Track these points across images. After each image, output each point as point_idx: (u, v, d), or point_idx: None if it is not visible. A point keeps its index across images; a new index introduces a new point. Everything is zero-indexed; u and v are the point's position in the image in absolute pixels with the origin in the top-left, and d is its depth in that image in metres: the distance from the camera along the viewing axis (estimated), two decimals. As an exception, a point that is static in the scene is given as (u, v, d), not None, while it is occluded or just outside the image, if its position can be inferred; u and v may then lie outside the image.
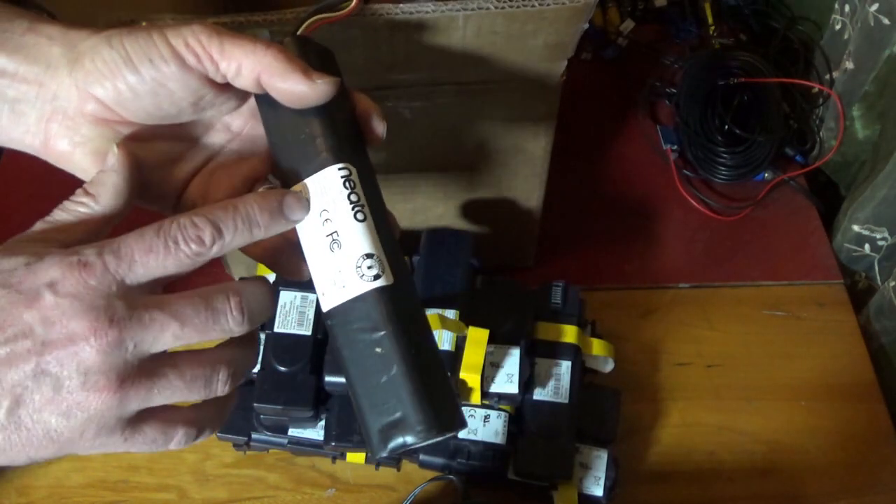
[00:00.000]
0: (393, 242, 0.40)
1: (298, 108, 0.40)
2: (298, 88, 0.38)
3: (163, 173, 0.42)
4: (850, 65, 0.78)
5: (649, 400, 0.71)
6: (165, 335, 0.35)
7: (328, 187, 0.39)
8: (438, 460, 0.63)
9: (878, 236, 0.75)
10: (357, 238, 0.38)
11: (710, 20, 0.93)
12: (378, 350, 0.38)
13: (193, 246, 0.36)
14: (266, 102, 0.41)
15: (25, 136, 0.40)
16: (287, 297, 0.63)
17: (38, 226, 0.37)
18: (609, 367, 0.69)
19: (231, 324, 0.37)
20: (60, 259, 0.34)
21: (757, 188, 0.83)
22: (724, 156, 0.82)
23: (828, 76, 0.84)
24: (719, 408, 0.71)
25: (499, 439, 0.61)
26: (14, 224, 0.38)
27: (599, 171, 0.85)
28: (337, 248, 0.38)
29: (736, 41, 0.93)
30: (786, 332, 0.75)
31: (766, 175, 0.83)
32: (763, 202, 0.83)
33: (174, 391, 0.36)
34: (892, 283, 0.70)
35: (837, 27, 0.81)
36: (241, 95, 0.42)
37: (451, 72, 0.53)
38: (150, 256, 0.35)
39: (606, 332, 0.71)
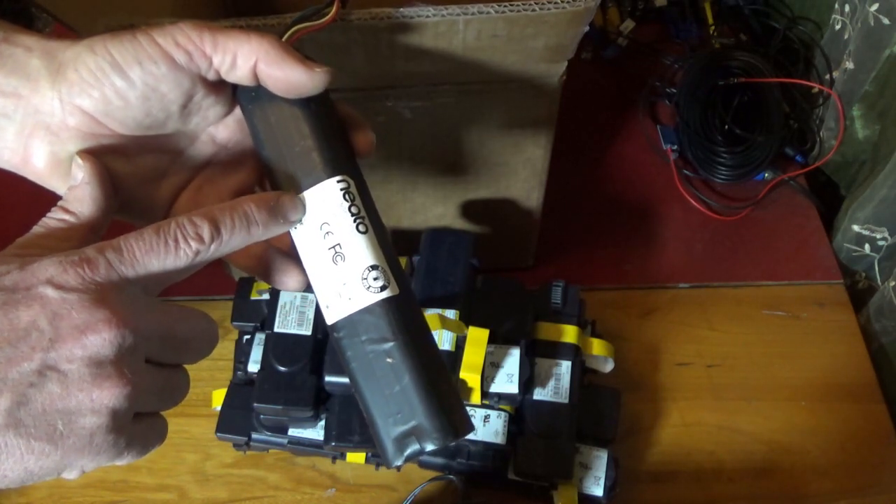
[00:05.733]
0: (392, 252, 0.40)
1: (288, 105, 0.39)
2: (296, 76, 0.38)
3: (149, 188, 0.42)
4: (850, 65, 0.78)
5: (649, 400, 0.72)
6: (171, 335, 0.35)
7: (327, 200, 0.39)
8: (438, 460, 0.63)
9: (878, 236, 0.75)
10: (361, 250, 0.39)
11: (710, 20, 0.93)
12: (389, 360, 0.38)
13: (193, 244, 0.36)
14: (257, 116, 0.40)
15: (3, 151, 0.38)
16: (287, 298, 0.63)
17: (20, 241, 0.36)
18: (609, 367, 0.69)
19: (213, 342, 0.38)
20: (58, 258, 0.34)
21: (757, 188, 0.83)
22: (724, 156, 0.82)
23: (828, 76, 0.84)
24: (719, 408, 0.71)
25: (499, 439, 0.61)
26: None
27: (599, 171, 0.85)
28: (340, 261, 0.39)
29: (736, 41, 0.93)
30: (786, 332, 0.75)
31: (766, 175, 0.83)
32: (763, 202, 0.83)
33: (172, 394, 0.36)
34: (892, 283, 0.70)
35: (837, 27, 0.81)
36: (228, 101, 0.41)
37: (452, 73, 0.53)
38: (151, 255, 0.35)
39: (606, 332, 0.71)
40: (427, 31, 0.48)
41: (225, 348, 0.71)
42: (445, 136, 0.61)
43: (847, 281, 0.79)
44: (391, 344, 0.38)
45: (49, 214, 0.37)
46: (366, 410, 0.39)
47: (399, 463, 0.38)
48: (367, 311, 0.38)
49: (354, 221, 0.39)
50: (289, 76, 0.38)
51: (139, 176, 0.41)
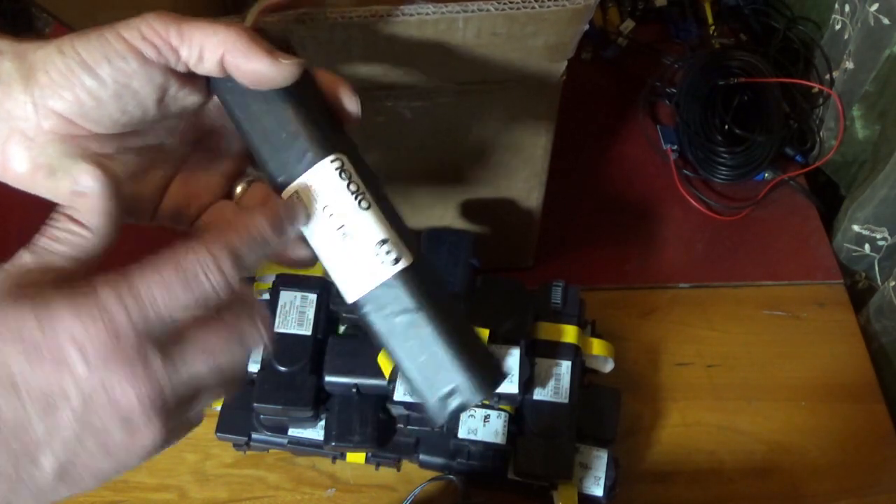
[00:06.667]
0: (400, 220, 0.40)
1: (265, 92, 0.38)
2: (263, 68, 0.37)
3: (136, 185, 0.41)
4: (850, 65, 0.78)
5: (649, 400, 0.72)
6: (200, 373, 0.35)
7: (325, 182, 0.39)
8: (438, 460, 0.63)
9: (878, 236, 0.75)
10: (368, 227, 0.38)
11: (710, 20, 0.93)
12: (416, 329, 0.39)
13: (214, 279, 0.35)
14: (236, 106, 0.40)
15: None
16: (287, 297, 0.63)
17: (27, 258, 0.35)
18: (609, 367, 0.68)
19: (257, 341, 0.37)
20: (74, 307, 0.32)
21: (757, 188, 0.83)
22: (724, 156, 0.82)
23: (828, 76, 0.84)
24: (719, 408, 0.71)
25: (499, 439, 0.61)
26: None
27: (599, 171, 0.85)
28: (350, 241, 0.38)
29: (736, 41, 0.93)
30: (786, 332, 0.75)
31: (766, 175, 0.83)
32: (763, 202, 0.83)
33: (202, 408, 0.37)
34: (892, 283, 0.70)
35: (837, 27, 0.81)
36: (204, 90, 0.40)
37: (451, 72, 0.53)
38: (172, 298, 0.34)
39: (606, 332, 0.71)
40: (427, 29, 0.48)
41: (225, 348, 0.71)
42: (445, 136, 0.61)
43: (847, 281, 0.78)
44: (416, 313, 0.39)
45: (55, 223, 0.36)
46: (406, 378, 0.40)
47: (445, 421, 0.40)
48: (385, 285, 0.39)
49: (356, 199, 0.39)
50: (256, 68, 0.37)
51: (124, 174, 0.40)
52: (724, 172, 0.82)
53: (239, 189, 0.43)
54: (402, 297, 0.39)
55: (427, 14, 0.47)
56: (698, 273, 0.79)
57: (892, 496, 0.67)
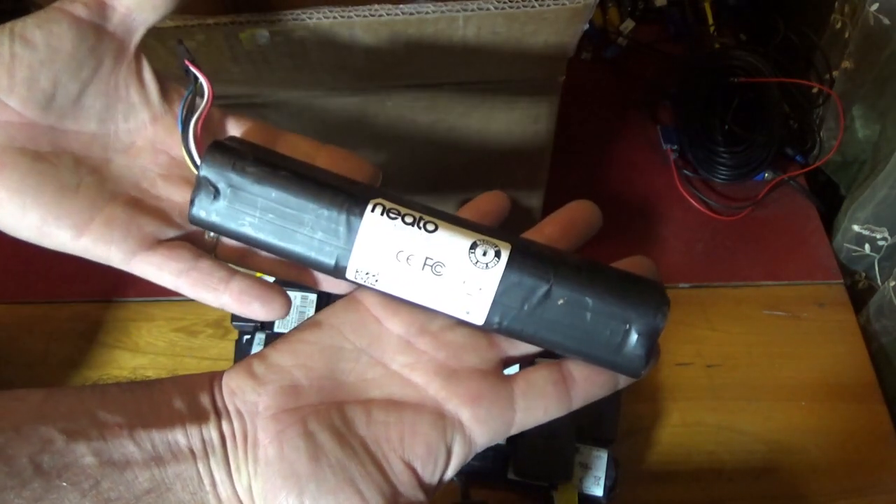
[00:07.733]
0: (470, 220, 0.37)
1: (263, 191, 0.36)
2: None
3: (67, 199, 0.36)
4: (850, 65, 0.78)
5: (649, 400, 0.71)
6: None
7: (379, 233, 0.35)
8: (438, 460, 0.63)
9: (878, 236, 0.75)
10: (450, 244, 0.35)
11: (710, 20, 0.93)
12: (560, 302, 0.36)
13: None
14: (232, 220, 0.36)
15: None
16: (287, 297, 0.63)
17: None
18: (609, 367, 0.68)
19: None
20: None
21: (757, 188, 0.83)
22: (724, 156, 0.82)
23: (828, 76, 0.83)
24: (719, 408, 0.71)
25: (499, 439, 0.61)
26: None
27: (599, 171, 0.85)
28: (441, 269, 0.35)
29: (736, 41, 0.93)
30: (786, 332, 0.75)
31: (766, 175, 0.83)
32: (763, 202, 0.83)
33: None
34: (892, 283, 0.70)
35: (837, 27, 0.81)
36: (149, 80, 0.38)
37: (451, 72, 0.53)
38: None
39: (606, 332, 0.71)
40: (427, 28, 0.48)
41: (225, 348, 0.71)
42: (445, 135, 0.61)
43: (847, 281, 0.78)
44: (549, 287, 0.36)
45: None
46: (586, 359, 0.37)
47: (645, 366, 0.36)
48: (504, 284, 0.35)
49: (419, 227, 0.35)
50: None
51: (55, 188, 0.35)
52: (724, 172, 0.82)
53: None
54: (527, 282, 0.35)
55: (427, 13, 0.47)
56: (698, 273, 0.79)
57: (892, 496, 0.67)
